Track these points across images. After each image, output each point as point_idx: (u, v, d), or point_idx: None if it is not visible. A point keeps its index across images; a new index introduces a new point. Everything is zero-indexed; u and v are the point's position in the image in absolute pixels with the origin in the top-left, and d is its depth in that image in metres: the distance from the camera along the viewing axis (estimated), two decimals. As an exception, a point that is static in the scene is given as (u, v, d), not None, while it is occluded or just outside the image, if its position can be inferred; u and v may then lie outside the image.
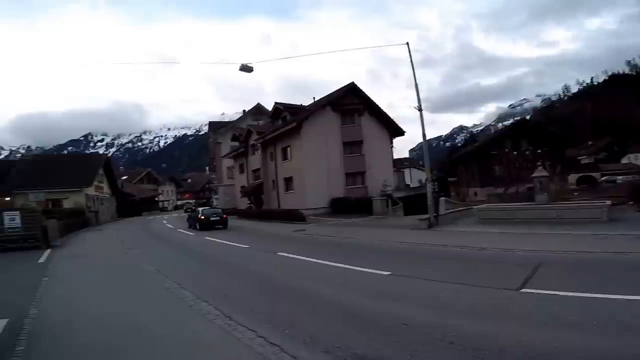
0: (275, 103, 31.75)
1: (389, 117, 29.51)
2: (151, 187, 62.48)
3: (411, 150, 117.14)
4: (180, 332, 4.50)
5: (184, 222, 28.71)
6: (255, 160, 32.97)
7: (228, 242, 13.62)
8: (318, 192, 24.91)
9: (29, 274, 9.12)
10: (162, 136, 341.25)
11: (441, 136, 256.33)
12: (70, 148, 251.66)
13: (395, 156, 34.02)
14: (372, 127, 27.98)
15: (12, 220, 14.46)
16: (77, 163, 34.82)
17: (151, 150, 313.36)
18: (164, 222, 31.52)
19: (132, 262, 10.68)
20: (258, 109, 46.09)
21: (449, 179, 38.80)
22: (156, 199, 61.80)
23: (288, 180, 27.85)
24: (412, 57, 14.75)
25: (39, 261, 11.63)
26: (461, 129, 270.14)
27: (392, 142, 30.28)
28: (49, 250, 14.15)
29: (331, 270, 7.74)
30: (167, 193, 72.49)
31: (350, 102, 27.46)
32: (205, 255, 11.36)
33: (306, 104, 32.81)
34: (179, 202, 77.54)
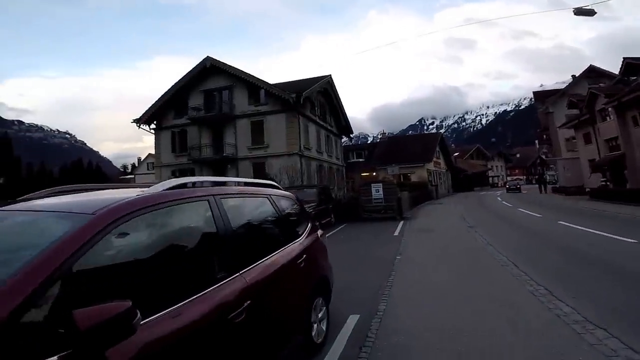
0: (625, 59, 21.57)
1: None
2: (481, 163, 59.90)
3: None
4: None
5: (517, 199, 26.31)
6: (607, 127, 23.22)
7: (602, 233, 8.79)
8: None
9: (385, 250, 8.74)
10: (482, 114, 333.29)
11: None
12: (410, 132, 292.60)
13: None
14: None
15: (377, 191, 16.17)
16: (419, 142, 37.64)
17: (474, 129, 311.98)
18: (498, 198, 28.29)
19: (478, 245, 8.50)
20: (593, 72, 34.41)
21: None
22: (487, 174, 58.70)
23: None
24: None
25: (394, 234, 11.64)
26: None
27: None
28: (401, 222, 14.62)
29: None
30: (496, 168, 67.47)
31: None
32: (565, 246, 7.38)
33: None
34: (509, 178, 70.69)
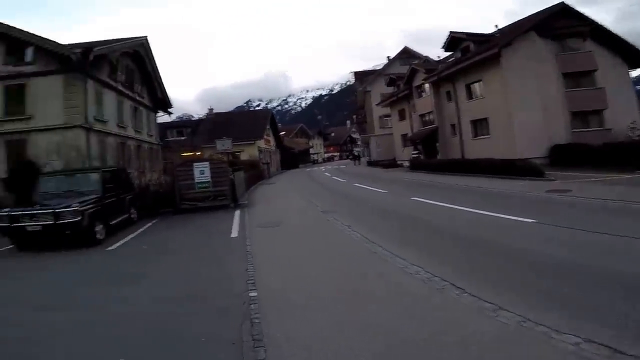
0: (451, 32, 23.70)
1: (626, 41, 19.37)
2: (304, 141, 62.16)
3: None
4: None
5: (345, 174, 26.24)
6: (423, 103, 26.11)
7: (463, 209, 8.04)
8: (529, 137, 17.28)
9: (224, 274, 5.22)
10: (303, 98, 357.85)
11: None
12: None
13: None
14: (600, 54, 18.64)
15: (202, 173, 11.94)
16: (249, 118, 34.48)
17: (295, 112, 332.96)
18: (326, 174, 28.47)
19: (354, 242, 6.14)
20: (406, 53, 38.59)
21: None
22: (309, 151, 61.32)
23: (478, 123, 20.47)
24: None
25: (232, 234, 8.07)
26: None
27: (629, 73, 20.30)
28: (238, 212, 11.05)
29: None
30: (316, 146, 71.96)
31: (565, 24, 18.48)
32: (449, 231, 5.99)
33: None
34: (326, 155, 77.10)
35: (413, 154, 26.81)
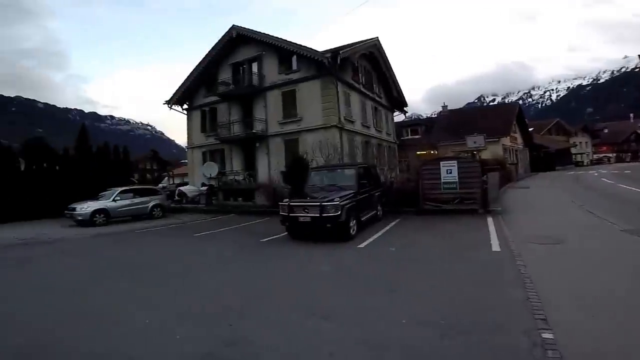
0: None
1: None
2: (562, 139, 49.74)
3: None
4: None
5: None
6: None
7: None
8: None
9: (493, 298, 3.84)
10: (552, 90, 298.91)
11: None
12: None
13: None
14: None
15: (449, 172, 10.83)
16: (490, 114, 30.61)
17: (543, 105, 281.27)
18: (604, 179, 20.90)
19: None
20: None
21: None
22: (570, 151, 48.57)
23: None
24: None
25: (492, 247, 6.52)
26: None
27: None
28: (491, 221, 9.20)
29: None
30: (580, 145, 56.16)
31: None
32: None
33: None
34: (595, 156, 59.74)
35: None
